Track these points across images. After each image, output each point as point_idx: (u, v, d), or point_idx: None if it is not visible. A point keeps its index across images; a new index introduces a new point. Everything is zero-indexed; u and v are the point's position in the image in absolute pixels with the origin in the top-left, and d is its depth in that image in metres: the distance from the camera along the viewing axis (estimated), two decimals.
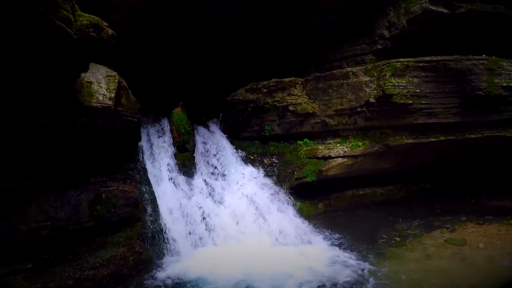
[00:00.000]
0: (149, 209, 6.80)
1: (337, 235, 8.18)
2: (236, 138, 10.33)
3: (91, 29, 4.09)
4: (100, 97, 5.55)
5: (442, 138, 9.48)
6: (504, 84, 8.81)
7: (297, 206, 8.99)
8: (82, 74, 5.27)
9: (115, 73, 6.03)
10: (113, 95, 5.77)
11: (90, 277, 5.14)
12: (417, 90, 8.85)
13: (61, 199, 5.42)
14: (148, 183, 7.11)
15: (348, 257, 6.94)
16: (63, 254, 5.44)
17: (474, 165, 11.50)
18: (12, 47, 3.47)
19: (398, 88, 8.56)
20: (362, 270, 6.51)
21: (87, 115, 5.49)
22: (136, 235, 6.34)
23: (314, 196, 9.81)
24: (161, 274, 5.95)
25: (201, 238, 7.21)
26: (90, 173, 6.02)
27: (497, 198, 11.12)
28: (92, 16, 4.20)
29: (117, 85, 5.91)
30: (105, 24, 4.34)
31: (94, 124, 5.76)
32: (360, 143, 9.13)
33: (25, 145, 4.99)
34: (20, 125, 4.76)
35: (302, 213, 8.90)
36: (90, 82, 5.44)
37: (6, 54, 3.58)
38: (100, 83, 5.62)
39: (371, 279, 6.27)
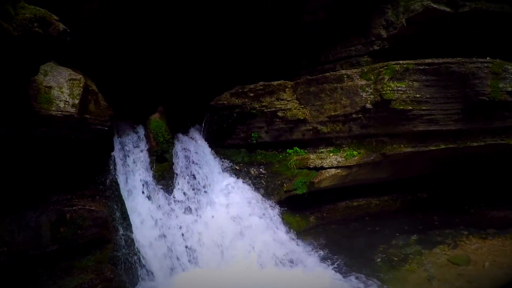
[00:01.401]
0: (121, 229, 6.25)
1: (331, 255, 7.87)
2: (220, 146, 9.98)
3: (35, 24, 3.52)
4: (61, 104, 4.97)
5: (442, 146, 9.18)
6: (509, 89, 8.51)
7: (287, 221, 8.64)
8: (40, 78, 4.70)
9: (81, 76, 5.44)
10: (77, 101, 5.19)
11: None
12: (417, 95, 8.43)
13: (17, 222, 4.92)
14: (120, 199, 6.56)
15: (344, 282, 6.62)
16: (22, 283, 5.04)
17: (474, 173, 11.17)
18: None
19: (397, 93, 8.16)
20: None
21: (47, 124, 4.93)
22: (107, 258, 5.84)
23: (305, 209, 9.50)
24: None
25: (180, 260, 6.75)
26: (53, 190, 5.49)
27: (497, 208, 10.88)
28: (38, 8, 3.62)
29: (82, 89, 5.34)
30: (55, 18, 3.74)
31: (58, 134, 5.22)
32: (355, 152, 8.79)
33: None
34: None
35: (293, 228, 8.57)
36: (50, 87, 4.86)
37: None
38: (62, 88, 5.04)
39: None
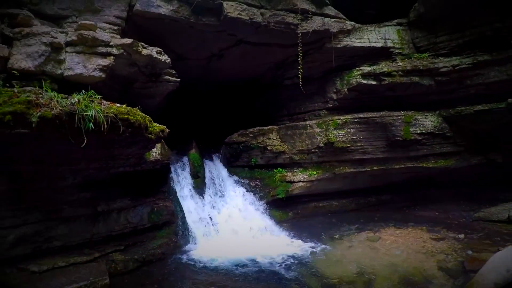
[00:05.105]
0: (179, 216, 10.99)
1: (297, 233, 12.03)
2: (231, 166, 14.64)
3: (160, 132, 8.57)
4: (154, 154, 10.36)
5: (375, 168, 13.43)
6: (418, 131, 12.62)
7: (273, 215, 13.07)
8: None
9: None
10: (159, 151, 10.59)
11: (152, 253, 9.80)
12: (353, 137, 12.72)
13: (134, 212, 9.99)
14: (177, 200, 11.39)
15: (302, 244, 11.00)
16: (136, 242, 9.92)
17: (411, 184, 15.24)
18: (128, 151, 8.44)
19: (339, 137, 12.61)
20: (308, 250, 10.47)
21: (146, 164, 10.37)
22: (172, 232, 10.68)
23: (285, 207, 13.74)
24: (187, 254, 10.32)
25: (208, 232, 11.36)
26: (147, 195, 10.62)
27: (426, 210, 14.52)
28: (160, 125, 8.72)
29: (161, 144, 10.90)
30: (165, 127, 8.89)
31: (148, 167, 10.70)
32: (315, 172, 13.34)
33: (117, 183, 10.04)
34: (114, 173, 9.78)
35: (276, 219, 13.00)
36: None
37: (125, 155, 8.56)
38: None
39: (316, 255, 10.09)
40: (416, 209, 14.99)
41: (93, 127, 6.04)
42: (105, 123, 6.17)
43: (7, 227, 7.56)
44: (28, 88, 6.52)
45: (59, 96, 6.03)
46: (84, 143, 6.04)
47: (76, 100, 6.11)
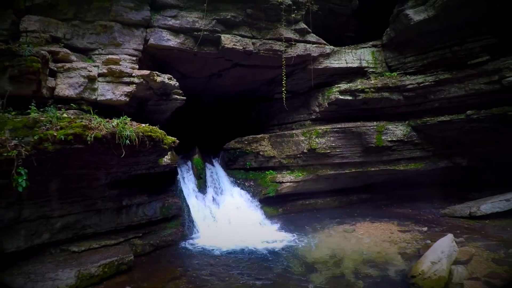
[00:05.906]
0: (185, 210, 13.45)
1: (285, 226, 14.29)
2: (229, 169, 17.31)
3: (172, 143, 11.15)
4: (165, 159, 13.08)
5: (353, 170, 15.88)
6: (389, 139, 14.98)
7: (264, 210, 15.56)
8: None
9: None
10: (169, 157, 13.30)
11: (164, 240, 12.42)
12: (333, 144, 15.14)
13: (149, 206, 12.61)
14: (184, 197, 13.94)
15: (289, 234, 13.18)
16: (150, 231, 12.53)
17: (389, 185, 17.53)
18: (148, 158, 11.25)
19: (320, 144, 15.06)
20: (293, 239, 12.64)
21: (158, 167, 13.18)
22: (180, 223, 13.31)
23: (276, 204, 16.23)
24: (191, 241, 12.92)
25: (210, 224, 13.73)
26: (159, 193, 13.33)
27: (401, 207, 16.61)
28: (171, 137, 11.35)
29: (172, 152, 13.66)
30: (176, 138, 11.45)
31: (159, 169, 13.45)
32: (300, 174, 15.86)
33: (136, 182, 12.80)
34: (133, 175, 12.53)
35: (267, 214, 15.54)
36: None
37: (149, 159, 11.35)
38: None
39: (299, 242, 12.10)
40: (392, 207, 17.02)
41: (129, 143, 8.79)
42: (136, 139, 8.92)
43: (56, 216, 10.22)
44: (72, 112, 9.37)
45: (104, 121, 8.78)
46: (123, 155, 8.79)
47: (116, 123, 8.86)
